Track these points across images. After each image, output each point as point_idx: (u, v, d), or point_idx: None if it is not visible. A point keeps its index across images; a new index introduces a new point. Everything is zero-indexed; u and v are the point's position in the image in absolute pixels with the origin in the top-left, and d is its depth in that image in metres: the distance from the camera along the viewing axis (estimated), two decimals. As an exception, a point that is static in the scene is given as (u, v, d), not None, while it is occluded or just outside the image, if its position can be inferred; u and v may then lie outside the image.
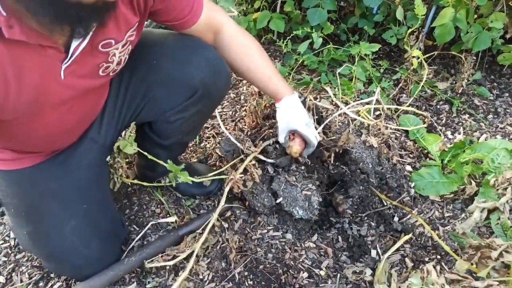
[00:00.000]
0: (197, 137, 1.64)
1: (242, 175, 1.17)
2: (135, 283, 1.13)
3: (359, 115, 1.44)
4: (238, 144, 1.23)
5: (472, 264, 0.75)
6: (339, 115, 1.41)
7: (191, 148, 1.61)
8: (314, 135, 1.17)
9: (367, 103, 1.31)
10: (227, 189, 1.15)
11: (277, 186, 1.21)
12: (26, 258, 1.21)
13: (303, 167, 1.23)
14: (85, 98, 0.90)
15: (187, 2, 0.94)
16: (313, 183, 1.22)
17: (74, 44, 0.74)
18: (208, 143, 1.64)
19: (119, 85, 1.06)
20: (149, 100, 1.08)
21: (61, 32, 0.70)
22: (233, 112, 1.76)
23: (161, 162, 0.98)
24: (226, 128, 1.69)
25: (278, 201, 1.21)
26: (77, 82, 0.83)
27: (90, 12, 0.65)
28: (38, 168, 0.99)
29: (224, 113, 1.77)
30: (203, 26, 1.01)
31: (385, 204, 1.33)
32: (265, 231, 1.27)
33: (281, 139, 1.17)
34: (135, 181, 1.19)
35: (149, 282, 1.13)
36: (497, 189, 0.98)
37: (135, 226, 1.30)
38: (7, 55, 0.66)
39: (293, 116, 1.13)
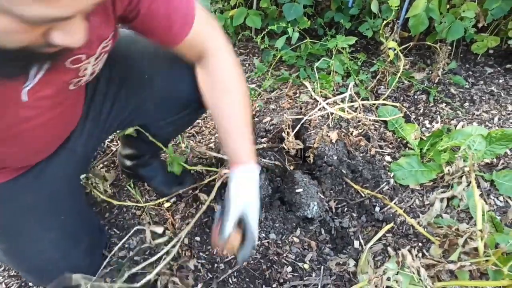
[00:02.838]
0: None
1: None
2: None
3: (339, 109, 1.45)
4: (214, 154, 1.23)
5: (443, 250, 0.77)
6: (319, 109, 1.42)
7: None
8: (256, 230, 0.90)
9: (342, 100, 1.32)
10: (217, 185, 1.15)
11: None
12: (2, 268, 1.18)
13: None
14: (57, 111, 0.83)
15: (174, 20, 0.78)
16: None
17: (32, 71, 0.65)
18: (189, 142, 1.62)
19: (105, 95, 0.98)
20: (140, 113, 1.03)
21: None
22: (213, 111, 1.75)
23: (159, 144, 0.96)
24: (206, 127, 1.68)
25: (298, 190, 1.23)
26: (43, 102, 0.75)
27: (34, 59, 0.56)
28: (12, 183, 0.92)
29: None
30: (188, 46, 0.84)
31: (363, 195, 1.34)
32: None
33: (230, 224, 0.84)
34: (108, 199, 1.19)
35: None
36: (453, 178, 0.99)
37: (115, 230, 1.28)
38: None
39: (249, 198, 0.88)
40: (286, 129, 1.29)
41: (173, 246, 0.94)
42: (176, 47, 0.82)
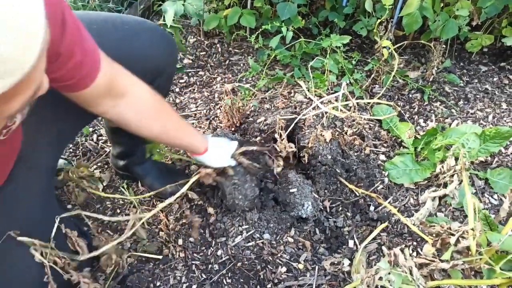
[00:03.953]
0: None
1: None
2: None
3: (333, 108, 1.44)
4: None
5: (436, 249, 0.77)
6: (314, 108, 1.41)
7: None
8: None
9: (336, 99, 1.32)
10: (193, 179, 1.18)
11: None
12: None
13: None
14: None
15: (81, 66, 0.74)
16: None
17: None
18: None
19: (55, 107, 0.91)
20: None
21: None
22: (207, 111, 1.74)
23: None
24: (200, 127, 1.67)
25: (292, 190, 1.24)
26: None
27: None
28: None
29: (199, 111, 1.75)
30: (103, 87, 0.81)
31: (358, 194, 1.34)
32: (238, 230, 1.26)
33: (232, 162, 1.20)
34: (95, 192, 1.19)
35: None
36: (444, 177, 0.99)
37: (109, 231, 1.28)
38: None
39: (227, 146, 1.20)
40: (278, 130, 1.28)
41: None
42: (87, 89, 0.78)
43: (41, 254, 0.83)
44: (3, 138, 0.71)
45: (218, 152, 1.17)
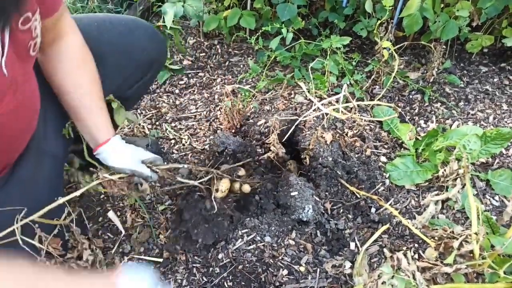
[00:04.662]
0: (173, 140, 1.62)
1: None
2: None
3: (334, 110, 1.44)
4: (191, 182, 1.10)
5: (439, 252, 0.76)
6: (314, 110, 1.41)
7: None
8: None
9: (337, 100, 1.31)
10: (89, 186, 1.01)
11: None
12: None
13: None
14: (22, 95, 0.83)
15: None
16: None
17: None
18: (184, 144, 1.61)
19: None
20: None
21: None
22: (207, 112, 1.74)
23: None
24: (200, 129, 1.67)
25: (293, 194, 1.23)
26: (17, 72, 0.78)
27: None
28: None
29: (199, 113, 1.74)
30: (53, 23, 0.89)
31: (359, 196, 1.33)
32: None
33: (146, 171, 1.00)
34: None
35: None
36: (447, 180, 0.99)
37: (109, 234, 1.27)
38: None
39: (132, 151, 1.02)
40: (271, 134, 1.28)
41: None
42: (50, 17, 0.87)
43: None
44: (33, 54, 0.81)
45: (122, 150, 1.00)
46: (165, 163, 1.05)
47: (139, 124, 1.65)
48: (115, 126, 1.06)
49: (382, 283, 0.69)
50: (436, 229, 0.82)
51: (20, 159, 0.92)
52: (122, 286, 0.72)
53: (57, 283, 0.71)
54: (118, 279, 0.73)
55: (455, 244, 0.71)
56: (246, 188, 1.19)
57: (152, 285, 0.74)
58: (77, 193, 0.90)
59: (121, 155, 0.97)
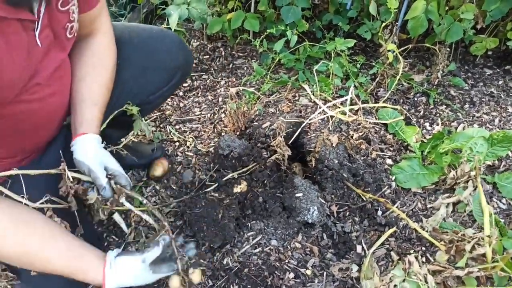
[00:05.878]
0: (177, 143, 1.61)
1: None
2: None
3: (341, 113, 1.43)
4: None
5: (450, 256, 0.75)
6: (319, 113, 1.40)
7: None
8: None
9: (342, 103, 1.31)
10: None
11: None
12: None
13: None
14: (57, 77, 0.89)
15: None
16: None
17: (35, 7, 0.75)
18: (189, 146, 1.60)
19: None
20: (126, 94, 1.09)
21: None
22: (212, 115, 1.73)
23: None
24: (205, 131, 1.66)
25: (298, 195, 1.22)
26: (52, 48, 0.84)
27: None
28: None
29: (203, 115, 1.74)
30: (90, 20, 0.97)
31: (365, 199, 1.32)
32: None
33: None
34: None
35: None
36: (459, 183, 0.98)
37: (114, 237, 1.26)
38: None
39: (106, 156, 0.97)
40: (277, 136, 1.27)
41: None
42: (87, 13, 0.94)
43: None
44: (70, 36, 0.88)
45: (90, 147, 0.94)
46: (130, 188, 0.95)
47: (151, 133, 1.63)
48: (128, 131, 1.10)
49: (394, 286, 0.69)
50: (446, 232, 0.81)
51: (50, 145, 0.99)
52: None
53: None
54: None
55: (468, 247, 0.71)
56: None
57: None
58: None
59: (86, 151, 0.92)
